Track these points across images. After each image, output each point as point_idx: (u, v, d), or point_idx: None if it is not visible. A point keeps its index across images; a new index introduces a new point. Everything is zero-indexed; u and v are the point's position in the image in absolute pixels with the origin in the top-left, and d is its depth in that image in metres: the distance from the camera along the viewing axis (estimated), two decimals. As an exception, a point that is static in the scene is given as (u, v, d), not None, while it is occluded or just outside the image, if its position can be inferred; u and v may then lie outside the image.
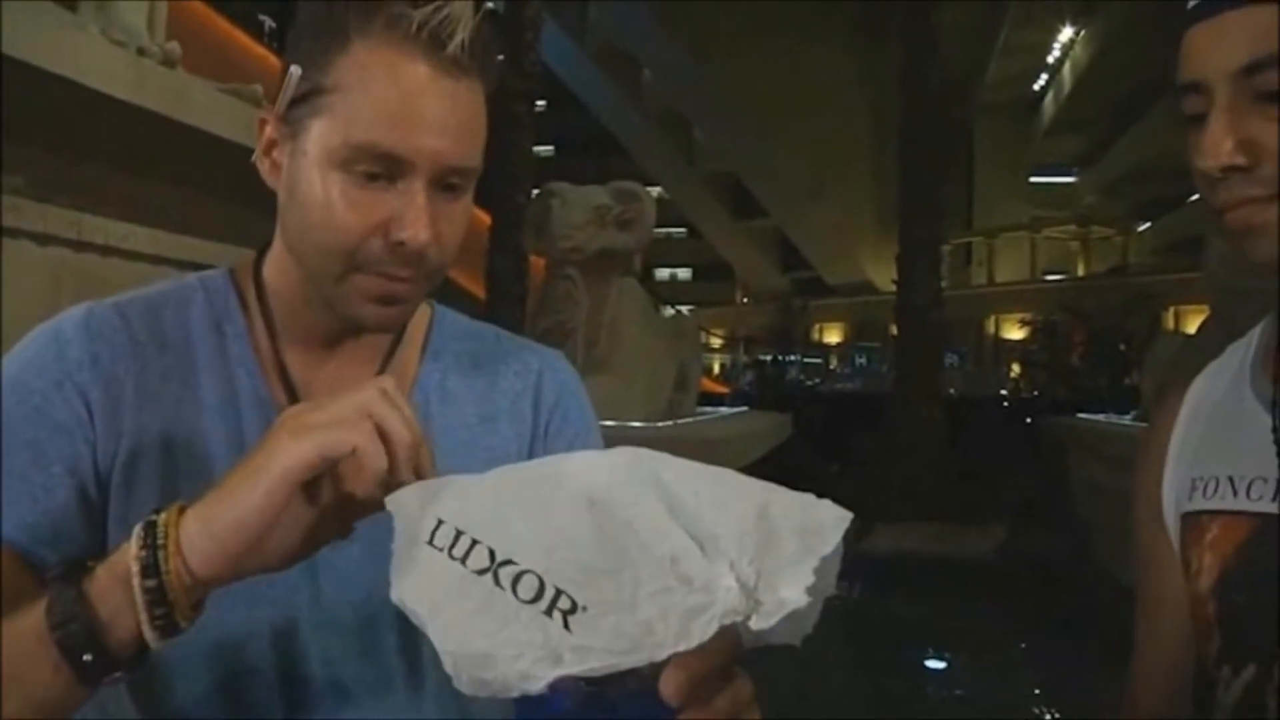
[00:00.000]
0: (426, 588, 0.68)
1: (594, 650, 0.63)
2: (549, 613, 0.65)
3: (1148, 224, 40.04)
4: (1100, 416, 8.24)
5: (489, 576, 0.67)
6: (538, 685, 0.64)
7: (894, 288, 11.65)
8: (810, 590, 0.64)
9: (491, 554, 0.67)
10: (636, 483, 0.68)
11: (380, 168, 0.92)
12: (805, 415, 10.34)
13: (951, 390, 16.40)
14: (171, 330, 1.03)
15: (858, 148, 33.35)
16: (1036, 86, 41.11)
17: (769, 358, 30.58)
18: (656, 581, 0.64)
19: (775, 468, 7.80)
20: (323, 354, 1.06)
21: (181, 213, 4.40)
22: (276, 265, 1.05)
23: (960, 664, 5.85)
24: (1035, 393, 19.95)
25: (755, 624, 0.63)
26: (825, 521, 0.66)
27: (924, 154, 11.20)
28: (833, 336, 40.94)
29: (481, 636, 0.65)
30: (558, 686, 0.65)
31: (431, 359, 1.12)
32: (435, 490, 0.73)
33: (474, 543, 0.68)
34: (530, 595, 0.65)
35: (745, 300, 46.69)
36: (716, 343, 34.28)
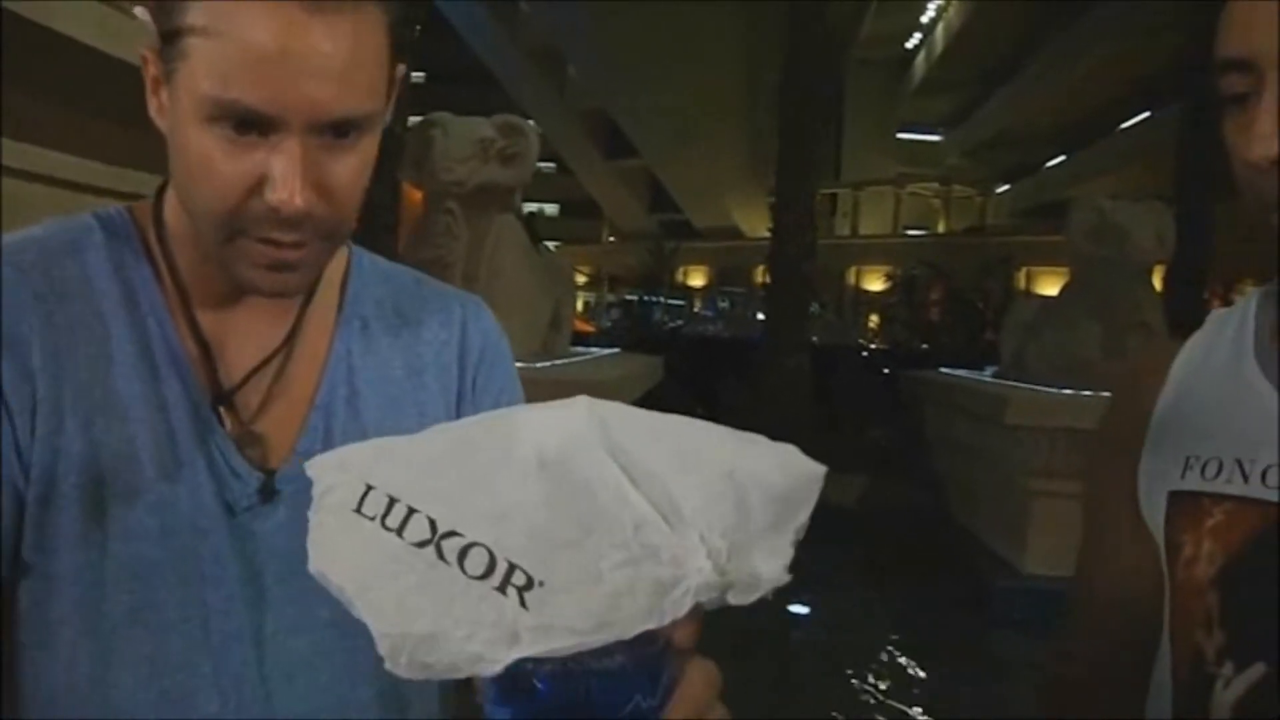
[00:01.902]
0: (354, 561, 0.61)
1: (555, 629, 0.57)
2: (502, 589, 0.58)
3: (1006, 187, 41.23)
4: (961, 372, 8.42)
5: (430, 550, 0.59)
6: (493, 668, 0.57)
7: (760, 234, 11.74)
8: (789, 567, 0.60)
9: (433, 524, 0.60)
10: (590, 442, 0.61)
11: (250, 122, 0.81)
12: (675, 359, 10.38)
13: (814, 338, 16.73)
14: (72, 277, 0.91)
15: (732, 95, 33.43)
16: (909, 45, 41.73)
17: (634, 297, 30.72)
18: (620, 553, 0.58)
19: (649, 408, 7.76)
20: (232, 303, 0.96)
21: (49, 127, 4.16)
22: (176, 210, 0.93)
23: (822, 610, 5.98)
24: (894, 345, 20.44)
25: (732, 599, 0.59)
26: (798, 486, 0.62)
27: (803, 107, 11.25)
28: (697, 280, 41.29)
29: (425, 617, 0.58)
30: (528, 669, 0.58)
31: (350, 307, 1.03)
32: (360, 453, 0.65)
33: (410, 511, 0.60)
34: (480, 571, 0.58)
35: (612, 239, 46.73)
36: (582, 280, 34.29)
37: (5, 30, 3.68)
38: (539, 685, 0.58)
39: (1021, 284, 26.16)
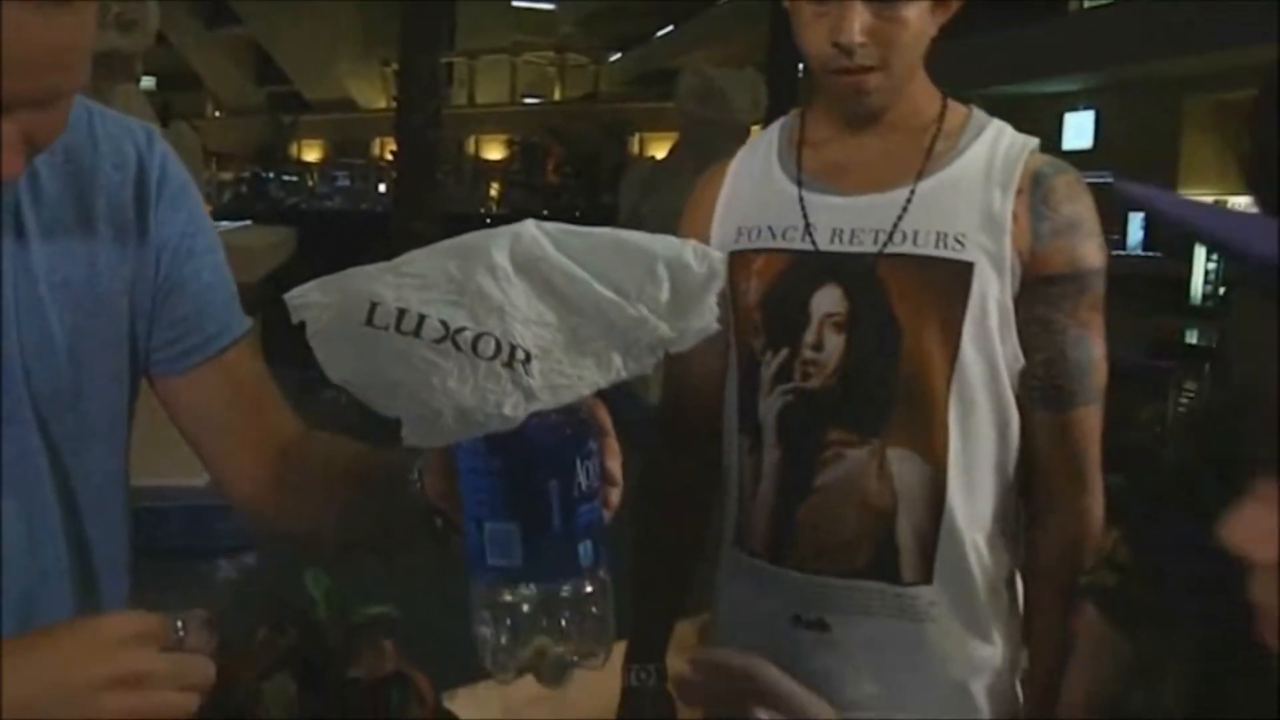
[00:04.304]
0: (376, 367, 0.76)
1: (560, 386, 0.76)
2: (510, 364, 0.75)
3: (618, 55, 42.21)
4: (596, 230, 8.90)
5: (448, 344, 0.75)
6: (513, 424, 0.75)
7: (377, 105, 11.72)
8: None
9: (445, 324, 0.75)
10: (547, 249, 0.78)
11: None
12: (307, 231, 10.32)
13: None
14: None
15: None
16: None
17: (248, 174, 29.46)
18: (591, 327, 0.77)
19: (281, 284, 7.77)
20: None
21: None
22: None
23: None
24: (515, 210, 20.91)
25: (676, 349, 0.80)
26: (709, 265, 0.80)
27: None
28: (312, 154, 40.01)
29: (457, 395, 0.74)
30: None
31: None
32: (342, 280, 0.78)
33: (422, 317, 0.75)
34: (490, 353, 0.75)
35: (218, 114, 44.31)
36: (190, 157, 32.35)
37: None
38: (528, 434, 0.77)
39: (635, 149, 27.21)
